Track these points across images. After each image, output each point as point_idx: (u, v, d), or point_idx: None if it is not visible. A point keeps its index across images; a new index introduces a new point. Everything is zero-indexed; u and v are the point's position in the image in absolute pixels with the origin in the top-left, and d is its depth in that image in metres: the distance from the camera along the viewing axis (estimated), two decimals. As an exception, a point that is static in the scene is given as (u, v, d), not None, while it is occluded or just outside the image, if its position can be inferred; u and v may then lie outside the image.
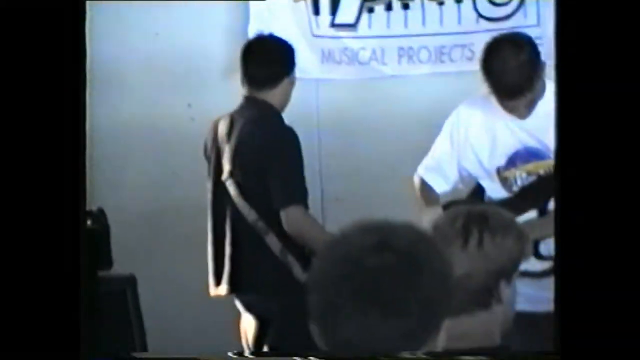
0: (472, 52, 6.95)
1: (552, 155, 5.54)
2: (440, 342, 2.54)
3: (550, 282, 5.67)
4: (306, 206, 5.89)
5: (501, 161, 5.80)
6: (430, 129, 6.08)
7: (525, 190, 5.82)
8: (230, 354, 3.08)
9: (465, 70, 6.89)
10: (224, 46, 7.24)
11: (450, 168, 5.87)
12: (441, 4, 7.18)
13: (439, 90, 6.94)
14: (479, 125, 5.93)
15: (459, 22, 7.22)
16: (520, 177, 5.86)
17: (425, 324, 2.44)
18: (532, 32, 6.50)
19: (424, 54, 7.28)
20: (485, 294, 3.43)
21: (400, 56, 7.30)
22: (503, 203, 5.65)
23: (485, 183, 5.90)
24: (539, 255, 5.61)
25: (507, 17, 7.17)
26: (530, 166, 5.87)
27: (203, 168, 6.30)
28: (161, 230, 7.56)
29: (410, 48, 7.28)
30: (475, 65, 5.84)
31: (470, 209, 3.67)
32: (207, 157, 6.33)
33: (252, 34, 7.22)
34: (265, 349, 5.57)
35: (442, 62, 7.23)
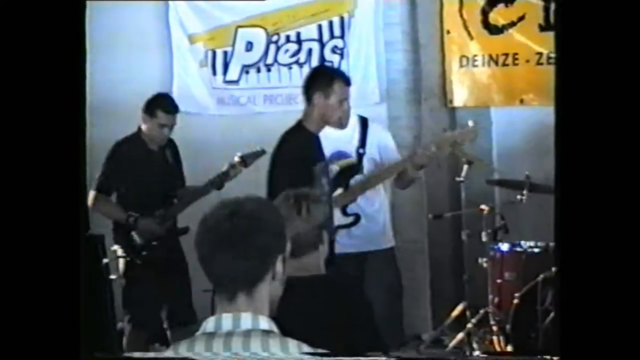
0: None
1: (353, 155, 7.50)
2: (286, 271, 3.41)
3: (357, 230, 7.00)
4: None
5: (328, 154, 7.36)
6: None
7: (338, 176, 7.14)
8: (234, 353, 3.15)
9: None
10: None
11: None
12: (290, 68, 9.46)
13: (290, 122, 7.67)
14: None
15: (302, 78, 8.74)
16: (335, 170, 7.12)
17: (264, 262, 3.32)
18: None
19: (280, 99, 9.55)
20: (314, 240, 4.64)
21: (264, 100, 9.62)
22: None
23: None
24: (345, 213, 7.28)
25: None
26: (341, 162, 7.39)
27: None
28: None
29: (272, 95, 9.60)
30: None
31: (296, 191, 4.83)
32: None
33: (175, 88, 9.55)
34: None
35: (291, 104, 9.07)
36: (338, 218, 7.04)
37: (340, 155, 7.50)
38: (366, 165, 7.56)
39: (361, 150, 7.53)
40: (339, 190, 7.26)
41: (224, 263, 3.29)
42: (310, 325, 3.94)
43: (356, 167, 7.55)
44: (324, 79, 7.29)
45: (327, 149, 7.46)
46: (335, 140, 7.49)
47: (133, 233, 7.70)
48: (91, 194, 7.62)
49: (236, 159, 7.75)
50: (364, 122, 7.61)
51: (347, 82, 7.37)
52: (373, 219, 7.31)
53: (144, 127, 7.72)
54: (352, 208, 7.27)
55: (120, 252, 7.74)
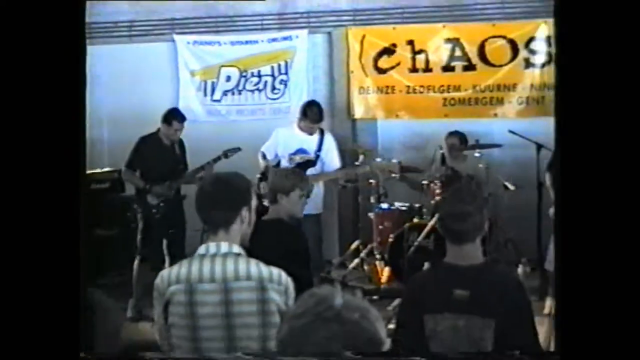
0: (270, 110, 9.91)
1: (312, 154, 7.93)
2: (253, 217, 3.52)
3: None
4: None
5: (292, 151, 8.06)
6: (259, 144, 8.12)
7: (297, 165, 7.76)
8: (239, 354, 2.68)
9: (270, 118, 9.72)
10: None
11: (271, 150, 8.07)
12: (253, 92, 10.08)
13: (260, 127, 8.91)
14: (287, 132, 8.15)
15: (266, 97, 10.03)
16: (296, 160, 8.01)
17: (235, 211, 3.52)
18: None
19: (246, 112, 10.15)
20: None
21: (237, 113, 10.16)
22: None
23: (283, 161, 8.04)
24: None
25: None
26: (299, 157, 8.07)
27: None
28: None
29: (241, 110, 10.18)
30: (276, 116, 9.32)
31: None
32: None
33: (180, 104, 9.64)
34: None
35: (255, 115, 10.02)
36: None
37: (304, 152, 8.09)
38: (319, 162, 8.07)
39: (318, 152, 8.17)
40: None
41: (210, 211, 3.56)
42: (270, 253, 4.10)
43: (312, 163, 8.05)
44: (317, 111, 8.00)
45: (296, 147, 8.07)
46: (303, 142, 8.08)
47: (148, 195, 7.91)
48: (123, 169, 8.09)
49: (221, 152, 8.14)
50: (322, 133, 8.13)
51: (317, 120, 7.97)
52: (316, 194, 7.44)
53: (162, 129, 7.98)
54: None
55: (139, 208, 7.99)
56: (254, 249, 3.86)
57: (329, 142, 8.14)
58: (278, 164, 8.04)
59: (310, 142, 8.08)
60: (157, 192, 7.90)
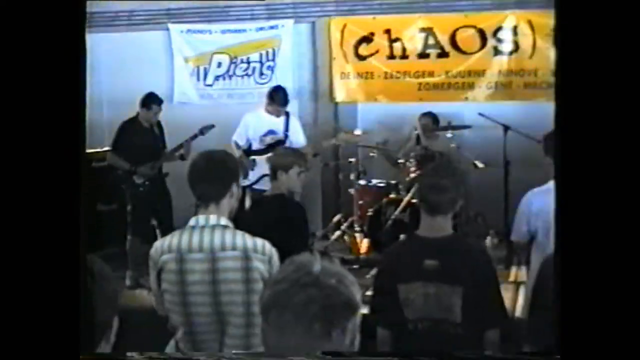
0: (258, 94, 9.69)
1: (281, 134, 8.10)
2: (239, 191, 3.50)
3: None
4: None
5: (262, 133, 8.29)
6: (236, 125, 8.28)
7: (269, 146, 7.99)
8: (233, 352, 2.58)
9: (258, 101, 9.24)
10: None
11: (242, 135, 8.31)
12: (242, 77, 10.15)
13: (243, 111, 8.77)
14: (255, 116, 8.33)
15: (255, 82, 10.08)
16: (267, 141, 8.22)
17: (225, 186, 3.52)
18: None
19: (236, 96, 10.20)
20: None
21: (227, 96, 10.23)
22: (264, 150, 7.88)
23: (254, 144, 8.30)
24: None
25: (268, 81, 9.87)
26: (269, 138, 8.25)
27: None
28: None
29: (231, 93, 10.27)
30: (263, 99, 8.55)
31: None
32: None
33: (175, 88, 10.07)
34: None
35: (244, 99, 10.03)
36: (266, 170, 7.50)
37: (273, 133, 8.33)
38: (287, 141, 8.28)
39: (286, 133, 8.38)
40: (271, 154, 7.49)
41: (201, 185, 3.58)
42: (272, 224, 4.25)
43: (282, 142, 8.19)
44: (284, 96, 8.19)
45: (266, 128, 8.25)
46: (271, 124, 8.31)
47: (134, 176, 7.95)
48: (108, 154, 8.05)
49: (197, 131, 8.09)
50: (287, 115, 8.35)
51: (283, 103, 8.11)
52: None
53: (140, 113, 8.03)
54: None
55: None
56: (257, 221, 3.99)
57: (295, 123, 8.33)
58: (250, 147, 8.20)
59: (278, 124, 8.24)
60: (142, 172, 7.94)
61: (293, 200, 5.20)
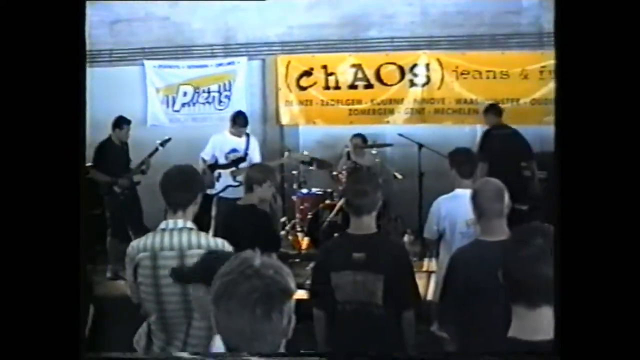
0: (217, 118, 9.49)
1: (242, 152, 7.75)
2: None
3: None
4: None
5: (227, 151, 7.93)
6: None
7: (232, 162, 7.76)
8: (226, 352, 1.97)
9: (217, 124, 9.07)
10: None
11: (208, 153, 7.89)
12: (204, 104, 9.95)
13: (206, 132, 8.48)
14: (221, 137, 7.99)
15: (215, 108, 9.87)
16: (231, 158, 7.92)
17: (191, 195, 3.35)
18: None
19: (199, 119, 9.92)
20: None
21: (192, 120, 9.99)
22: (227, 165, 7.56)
23: (220, 159, 7.91)
24: (235, 180, 7.52)
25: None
26: (232, 155, 7.94)
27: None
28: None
29: (195, 117, 10.04)
30: (221, 123, 8.38)
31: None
32: None
33: (149, 113, 9.75)
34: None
35: (205, 122, 9.77)
36: (230, 181, 7.76)
37: (236, 151, 8.01)
38: (247, 159, 7.91)
39: (246, 151, 8.12)
40: (234, 168, 7.86)
41: (173, 194, 3.45)
42: (245, 231, 4.14)
43: (242, 159, 7.94)
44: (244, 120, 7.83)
45: (230, 147, 7.96)
46: (234, 144, 8.00)
47: (114, 187, 7.80)
48: (90, 170, 7.66)
49: (157, 144, 7.94)
50: (248, 136, 8.07)
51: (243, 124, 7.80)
52: None
53: (113, 133, 7.94)
54: (238, 179, 7.61)
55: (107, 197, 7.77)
56: (232, 228, 3.94)
57: (254, 143, 8.09)
58: (216, 162, 7.92)
59: (240, 143, 8.01)
60: (120, 184, 7.78)
61: (262, 210, 5.05)
